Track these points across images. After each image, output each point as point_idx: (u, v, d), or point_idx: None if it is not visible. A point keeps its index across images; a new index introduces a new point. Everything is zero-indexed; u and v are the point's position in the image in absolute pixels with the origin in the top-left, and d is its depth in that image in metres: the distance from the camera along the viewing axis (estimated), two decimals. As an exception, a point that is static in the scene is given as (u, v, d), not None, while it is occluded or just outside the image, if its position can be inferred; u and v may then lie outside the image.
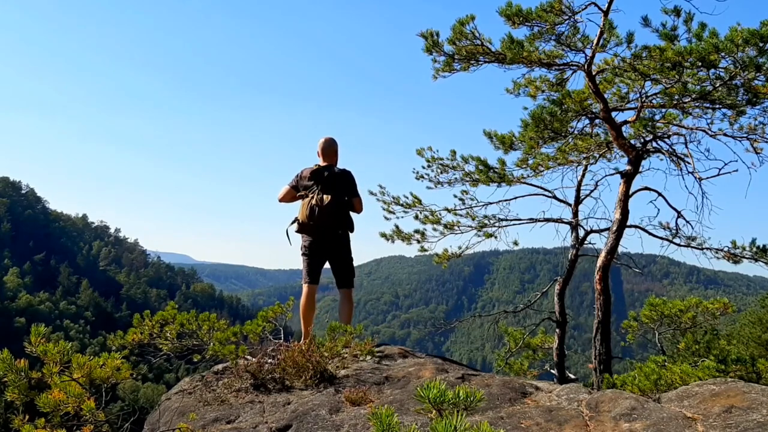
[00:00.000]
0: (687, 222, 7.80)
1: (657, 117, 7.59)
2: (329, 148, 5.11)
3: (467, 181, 8.95)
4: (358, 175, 5.03)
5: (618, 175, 7.43)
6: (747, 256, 7.53)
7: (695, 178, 7.24)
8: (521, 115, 7.71)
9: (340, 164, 5.15)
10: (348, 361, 4.19)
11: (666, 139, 7.60)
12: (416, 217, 9.29)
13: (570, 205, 9.18)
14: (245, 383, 3.88)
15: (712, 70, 5.98)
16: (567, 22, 6.21)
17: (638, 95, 7.16)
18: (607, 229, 7.91)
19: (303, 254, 4.98)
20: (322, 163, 5.06)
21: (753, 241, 7.45)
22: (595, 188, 9.00)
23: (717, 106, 6.77)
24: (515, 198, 9.02)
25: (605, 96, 7.03)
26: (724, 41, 5.48)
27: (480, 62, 6.60)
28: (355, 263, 5.13)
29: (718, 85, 6.20)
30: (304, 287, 4.97)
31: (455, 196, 9.20)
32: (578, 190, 9.15)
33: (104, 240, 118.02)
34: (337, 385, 3.72)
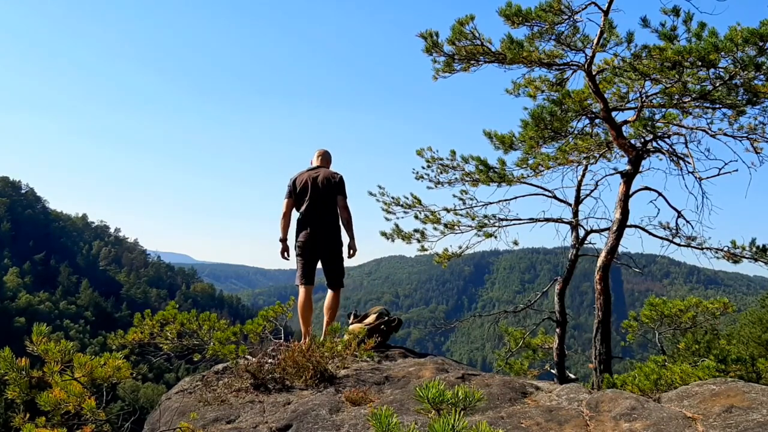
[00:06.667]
0: (687, 222, 7.82)
1: (657, 117, 7.59)
2: (326, 158, 5.34)
3: (467, 181, 8.95)
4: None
5: (618, 175, 7.43)
6: (747, 256, 7.53)
7: (695, 177, 7.25)
8: (521, 115, 7.71)
9: (339, 168, 5.30)
10: (348, 361, 4.19)
11: (666, 139, 7.61)
12: (416, 217, 9.30)
13: (570, 205, 9.18)
14: (245, 383, 3.88)
15: (712, 70, 5.98)
16: (567, 21, 6.21)
17: (638, 95, 7.17)
18: (607, 229, 7.91)
19: (297, 255, 5.05)
20: (313, 164, 5.22)
21: (753, 241, 7.46)
22: (595, 188, 9.02)
23: (717, 105, 6.77)
24: (515, 198, 9.03)
25: (605, 96, 7.03)
26: (723, 40, 5.47)
27: (480, 62, 6.60)
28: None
29: (718, 84, 6.20)
30: (301, 289, 5.02)
31: (455, 196, 9.20)
32: (578, 190, 9.15)
33: (104, 240, 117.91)
34: (337, 385, 3.72)
